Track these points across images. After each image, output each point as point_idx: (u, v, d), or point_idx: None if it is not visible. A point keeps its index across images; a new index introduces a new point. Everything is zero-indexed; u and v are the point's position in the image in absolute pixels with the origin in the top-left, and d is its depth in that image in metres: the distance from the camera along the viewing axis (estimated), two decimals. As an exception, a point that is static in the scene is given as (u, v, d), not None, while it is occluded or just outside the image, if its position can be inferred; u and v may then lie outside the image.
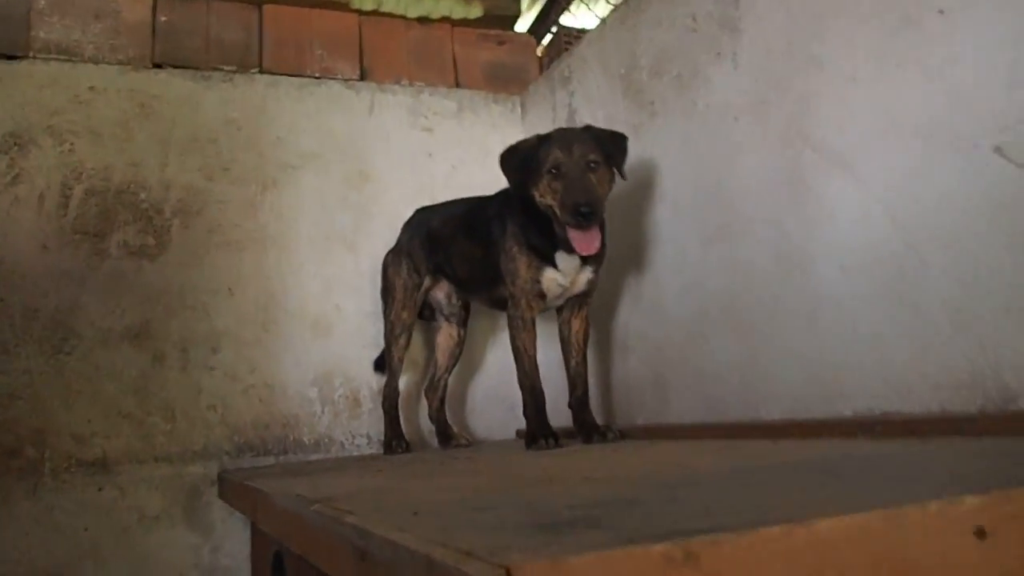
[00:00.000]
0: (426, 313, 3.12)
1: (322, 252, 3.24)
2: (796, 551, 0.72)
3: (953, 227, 1.71)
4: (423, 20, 3.61)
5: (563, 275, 2.48)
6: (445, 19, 3.64)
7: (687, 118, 2.56)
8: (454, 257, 2.89)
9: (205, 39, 3.20)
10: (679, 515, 0.88)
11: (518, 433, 3.18)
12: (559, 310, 2.65)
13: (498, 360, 3.36)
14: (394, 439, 2.94)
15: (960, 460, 1.25)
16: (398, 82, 3.51)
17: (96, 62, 3.03)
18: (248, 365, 3.04)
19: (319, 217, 3.26)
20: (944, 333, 1.72)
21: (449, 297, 3.08)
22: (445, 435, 3.08)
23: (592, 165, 2.32)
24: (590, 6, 3.79)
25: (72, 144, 2.92)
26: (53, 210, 2.86)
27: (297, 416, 3.08)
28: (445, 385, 3.15)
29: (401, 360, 3.01)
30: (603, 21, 3.07)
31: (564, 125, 2.97)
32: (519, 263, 2.49)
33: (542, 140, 2.39)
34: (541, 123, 3.39)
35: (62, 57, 2.99)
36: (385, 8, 3.52)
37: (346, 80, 3.42)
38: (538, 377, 2.52)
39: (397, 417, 3.00)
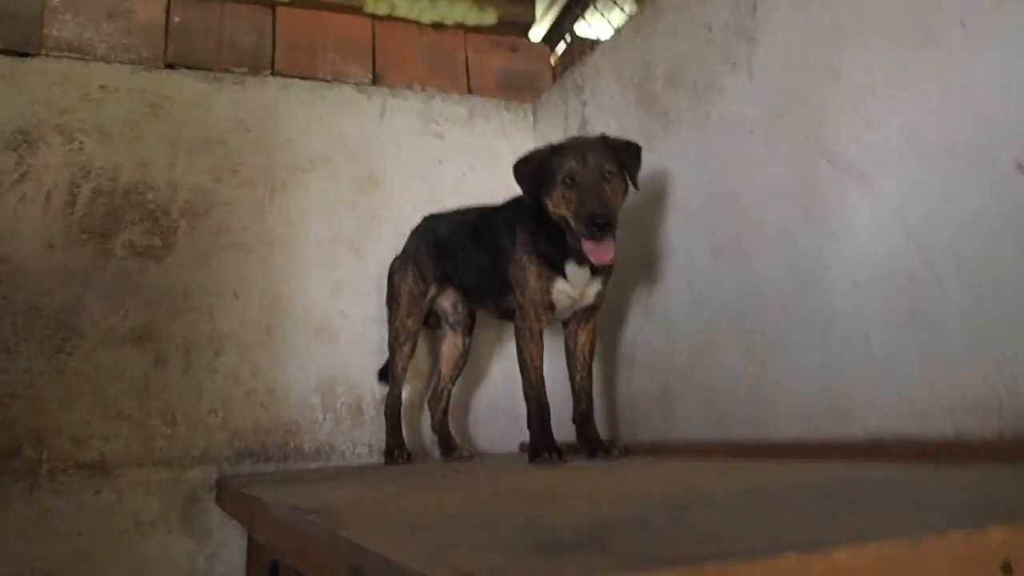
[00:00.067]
0: (431, 321, 3.09)
1: (329, 257, 3.21)
2: (812, 582, 0.68)
3: (971, 244, 1.67)
4: (437, 25, 3.58)
5: (573, 286, 2.45)
6: (459, 25, 3.62)
7: (701, 129, 2.53)
8: (461, 265, 2.85)
9: (218, 40, 3.19)
10: (688, 538, 0.85)
11: (521, 446, 3.13)
12: (566, 322, 2.61)
13: (503, 371, 3.32)
14: (395, 449, 2.90)
15: (980, 487, 1.20)
16: (410, 87, 3.49)
17: (108, 61, 3.01)
18: (251, 369, 3.01)
19: (327, 221, 3.23)
20: (960, 353, 1.68)
21: (455, 306, 3.04)
22: (447, 446, 3.03)
23: (607, 175, 2.29)
24: (605, 15, 3.76)
25: (81, 143, 2.90)
26: (60, 208, 2.84)
27: (298, 423, 3.04)
28: (449, 395, 3.10)
29: (405, 368, 2.97)
30: (617, 30, 3.04)
31: (576, 134, 2.93)
32: (528, 273, 2.46)
33: (556, 149, 2.36)
34: (553, 132, 3.36)
35: (74, 55, 2.97)
36: (399, 13, 3.50)
37: (358, 84, 3.40)
38: (544, 390, 2.48)
39: (399, 426, 2.96)
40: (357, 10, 3.44)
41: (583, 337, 2.58)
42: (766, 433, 2.19)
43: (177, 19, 3.14)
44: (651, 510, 1.09)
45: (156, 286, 2.92)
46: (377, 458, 3.09)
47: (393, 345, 2.97)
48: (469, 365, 3.18)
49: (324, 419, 3.08)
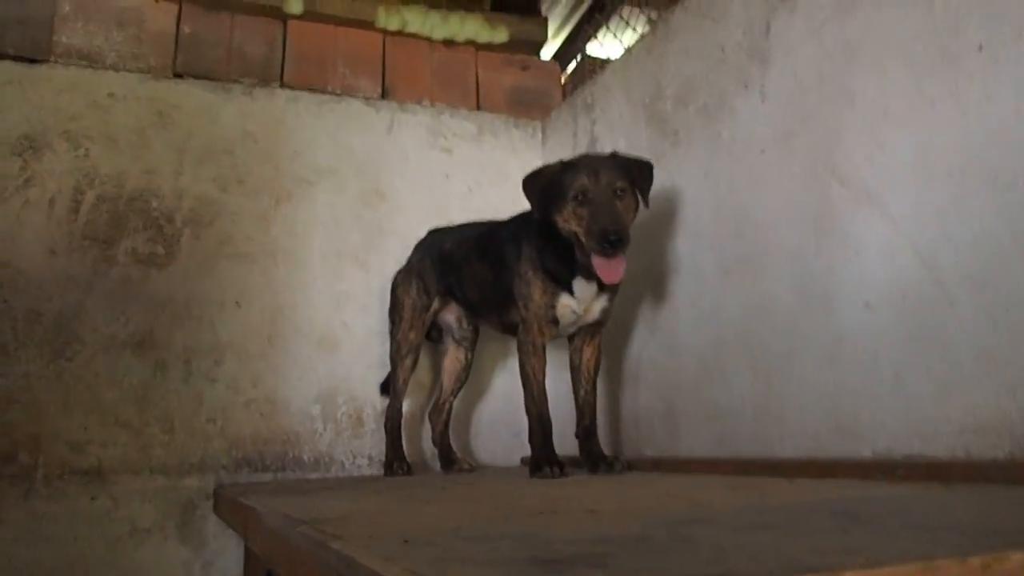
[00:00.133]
0: (434, 335, 3.07)
1: (333, 269, 3.20)
2: (822, 604, 0.65)
3: (985, 267, 1.65)
4: (448, 42, 3.58)
5: (578, 302, 2.43)
6: (470, 42, 3.61)
7: (711, 149, 2.51)
8: (465, 280, 2.84)
9: (227, 51, 3.18)
10: (692, 557, 0.82)
11: (523, 460, 3.10)
12: (571, 338, 2.59)
13: (505, 385, 3.29)
14: (395, 461, 2.88)
15: (993, 510, 1.17)
16: (419, 102, 3.48)
17: (117, 69, 3.01)
18: (251, 379, 2.98)
19: (332, 233, 3.22)
20: (971, 375, 1.65)
21: (460, 321, 3.02)
22: (448, 459, 3.01)
23: (619, 192, 2.27)
24: (617, 35, 3.76)
25: (87, 149, 2.89)
26: (63, 215, 2.83)
27: (298, 433, 3.02)
28: (450, 408, 3.08)
29: (406, 381, 2.95)
30: (628, 50, 3.03)
31: (585, 152, 2.91)
32: (533, 287, 2.44)
33: (567, 165, 2.34)
34: (562, 149, 3.34)
35: (83, 63, 2.97)
36: (410, 28, 3.49)
37: (367, 98, 3.39)
38: (546, 404, 2.46)
39: (399, 438, 2.93)
40: (368, 25, 3.43)
41: (588, 353, 2.56)
42: (771, 451, 2.16)
43: (187, 29, 3.14)
44: (653, 526, 1.06)
45: (158, 294, 2.90)
46: (377, 470, 3.06)
47: (395, 358, 2.95)
48: (472, 379, 3.16)
49: (324, 430, 3.06)
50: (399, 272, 3.05)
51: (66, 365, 2.75)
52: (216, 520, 2.74)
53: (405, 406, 3.00)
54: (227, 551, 2.82)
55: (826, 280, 2.05)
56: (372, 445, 3.10)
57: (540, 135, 3.65)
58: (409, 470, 2.87)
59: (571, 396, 2.59)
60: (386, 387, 3.06)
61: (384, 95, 3.42)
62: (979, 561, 0.71)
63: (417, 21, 3.48)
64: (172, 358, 2.89)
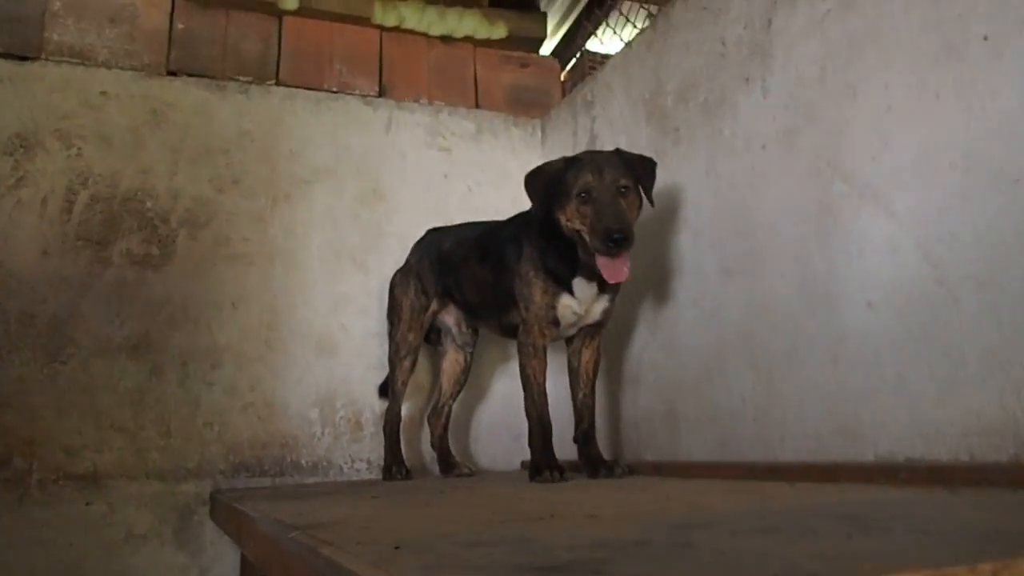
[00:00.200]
0: (433, 337, 3.04)
1: (331, 270, 3.16)
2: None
3: (990, 265, 1.61)
4: (446, 39, 3.54)
5: (579, 302, 2.40)
6: (468, 39, 3.57)
7: (712, 145, 2.48)
8: (464, 281, 2.80)
9: (222, 48, 3.15)
10: (694, 563, 0.78)
11: (523, 464, 3.07)
12: (569, 340, 2.56)
13: (505, 389, 3.26)
14: (394, 465, 2.84)
15: (999, 513, 1.14)
16: (417, 100, 3.45)
17: (109, 67, 2.98)
18: (248, 382, 2.95)
19: (329, 234, 3.18)
20: (976, 376, 1.62)
21: (459, 324, 2.99)
22: (447, 463, 2.98)
23: (623, 190, 2.24)
24: (617, 31, 3.72)
25: (80, 149, 2.86)
26: (56, 215, 2.80)
27: (296, 437, 2.99)
28: (449, 412, 3.05)
29: (405, 383, 2.92)
30: (628, 45, 3.00)
31: (585, 150, 2.89)
32: (534, 288, 2.40)
33: (570, 162, 2.30)
34: (561, 148, 3.31)
35: (75, 60, 2.94)
36: (408, 25, 3.46)
37: (364, 96, 3.36)
38: (546, 407, 2.42)
39: (398, 442, 2.90)
40: (365, 21, 3.40)
41: (587, 355, 2.52)
42: (773, 454, 2.13)
43: (181, 26, 3.11)
44: (654, 531, 1.02)
45: (153, 296, 2.87)
46: (375, 474, 3.03)
47: (393, 359, 2.92)
48: (471, 382, 3.13)
49: (322, 434, 3.02)
50: (397, 272, 3.02)
51: (60, 368, 2.72)
52: (213, 526, 2.70)
53: (404, 409, 2.97)
54: (224, 558, 2.78)
55: (828, 279, 2.01)
56: (371, 449, 3.07)
57: (540, 134, 3.62)
58: (408, 474, 2.84)
59: (570, 399, 2.56)
60: (385, 389, 3.03)
61: (382, 93, 3.39)
62: (989, 567, 0.68)
63: (414, 17, 3.45)
64: (168, 361, 2.86)
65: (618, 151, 2.35)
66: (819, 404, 2.00)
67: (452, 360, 3.03)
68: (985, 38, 1.66)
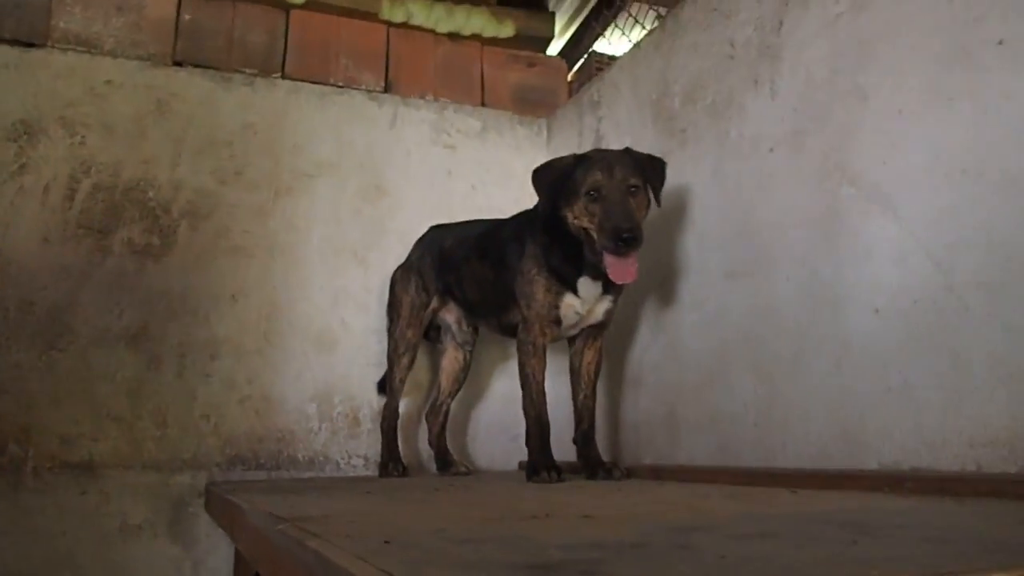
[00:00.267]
0: (432, 335, 3.02)
1: (332, 265, 3.14)
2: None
3: (1000, 272, 1.59)
4: (453, 36, 3.52)
5: (582, 302, 2.38)
6: (476, 36, 3.55)
7: (719, 147, 2.46)
8: (465, 279, 2.78)
9: (228, 40, 3.13)
10: (693, 565, 0.76)
11: (520, 465, 3.04)
12: (571, 340, 2.54)
13: (504, 388, 3.23)
14: (390, 462, 2.82)
15: (1007, 525, 1.11)
16: (423, 97, 3.42)
17: (115, 56, 2.96)
18: (246, 375, 2.93)
19: (331, 229, 3.16)
20: (984, 385, 1.60)
21: (459, 323, 2.96)
22: (444, 461, 2.95)
23: (632, 189, 2.21)
24: (626, 32, 3.70)
25: (83, 137, 2.85)
26: (58, 203, 2.78)
27: (293, 431, 2.96)
28: (447, 410, 3.02)
29: (403, 380, 2.90)
30: (636, 45, 2.98)
31: (590, 150, 2.87)
32: (536, 286, 2.38)
33: (580, 160, 2.28)
34: (567, 147, 3.28)
35: (80, 48, 2.92)
36: (415, 21, 3.44)
37: (369, 91, 3.34)
38: (545, 406, 2.40)
39: (395, 439, 2.88)
40: (372, 16, 3.38)
41: (589, 356, 2.50)
42: (774, 460, 2.11)
43: (188, 17, 3.09)
44: (651, 533, 1.00)
45: (153, 286, 2.85)
46: (372, 470, 3.00)
47: (392, 356, 2.89)
48: (470, 381, 3.11)
49: (319, 429, 3.00)
50: (398, 269, 3.00)
51: (58, 357, 2.70)
52: (207, 518, 2.68)
53: (402, 406, 2.95)
54: (218, 550, 2.76)
55: (834, 284, 1.99)
56: (368, 445, 3.04)
57: (545, 133, 3.59)
58: (404, 472, 2.82)
59: (570, 400, 2.53)
60: (383, 386, 3.01)
61: (387, 89, 3.37)
62: (1002, 577, 0.66)
63: (422, 13, 3.43)
64: (166, 352, 2.84)
65: (628, 150, 2.33)
66: (822, 410, 1.98)
67: (451, 358, 3.01)
68: (1000, 42, 1.64)
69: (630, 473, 2.38)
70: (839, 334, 1.95)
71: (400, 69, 3.41)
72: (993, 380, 1.58)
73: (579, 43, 3.92)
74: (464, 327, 2.97)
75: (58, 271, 2.74)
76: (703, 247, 2.50)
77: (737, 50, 2.42)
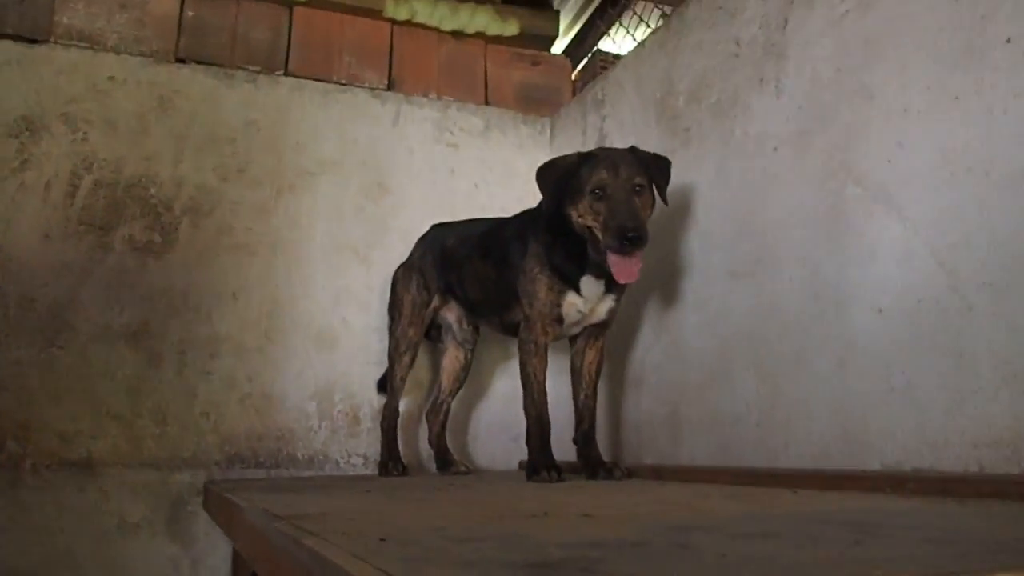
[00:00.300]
0: (433, 333, 3.01)
1: (334, 263, 3.13)
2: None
3: (1006, 272, 1.58)
4: (457, 34, 3.51)
5: (585, 301, 2.36)
6: (480, 35, 3.54)
7: (723, 146, 2.44)
8: (467, 277, 2.77)
9: (231, 37, 3.12)
10: (693, 564, 0.74)
11: (520, 464, 3.03)
12: (572, 339, 2.52)
13: (505, 388, 3.22)
14: (390, 461, 2.81)
15: (1011, 526, 1.10)
16: (426, 95, 3.41)
17: (118, 52, 2.95)
18: (247, 373, 2.92)
19: (334, 226, 3.15)
20: (988, 386, 1.59)
21: (460, 321, 2.95)
22: (444, 461, 2.94)
23: (637, 188, 2.20)
24: (630, 31, 3.68)
25: (86, 133, 2.84)
26: (59, 199, 2.77)
27: (293, 430, 2.95)
28: (448, 409, 3.01)
29: (404, 379, 2.88)
30: (641, 44, 2.96)
31: (595, 148, 2.85)
32: (539, 285, 2.37)
33: (585, 158, 2.27)
34: (570, 147, 3.26)
35: (83, 44, 2.91)
36: (419, 19, 3.42)
37: (373, 89, 3.32)
38: (545, 406, 2.38)
39: (395, 438, 2.87)
40: (376, 14, 3.37)
41: (591, 355, 2.49)
42: (776, 461, 2.09)
43: (191, 13, 3.08)
44: (651, 532, 0.98)
45: (154, 283, 2.84)
46: (372, 469, 2.99)
47: (393, 355, 2.88)
48: (471, 381, 3.09)
49: (319, 427, 2.99)
50: (400, 267, 2.98)
51: (58, 354, 2.69)
52: (206, 517, 2.66)
53: (402, 405, 2.94)
54: (216, 549, 2.75)
55: (838, 284, 1.98)
56: (368, 444, 3.03)
57: (548, 132, 3.58)
58: (404, 471, 2.81)
59: (571, 400, 2.52)
60: (383, 385, 3.00)
61: (390, 86, 3.36)
62: (1009, 578, 0.64)
63: (426, 11, 3.41)
64: (166, 350, 2.83)
65: (633, 149, 2.32)
66: (825, 411, 1.96)
67: (452, 357, 3.00)
68: (1008, 40, 1.62)
69: (631, 473, 2.37)
70: (842, 334, 1.94)
71: (403, 67, 3.40)
72: (997, 380, 1.56)
73: (583, 42, 3.90)
74: (465, 326, 2.96)
75: (59, 268, 2.73)
76: (706, 246, 2.48)
77: (742, 49, 2.40)
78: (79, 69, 2.88)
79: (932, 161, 1.76)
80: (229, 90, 3.08)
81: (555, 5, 3.81)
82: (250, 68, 3.13)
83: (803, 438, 2.02)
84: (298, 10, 3.25)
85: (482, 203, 3.31)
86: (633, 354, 2.78)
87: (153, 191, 2.89)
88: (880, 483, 1.67)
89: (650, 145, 2.67)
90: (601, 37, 3.82)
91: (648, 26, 3.44)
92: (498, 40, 3.58)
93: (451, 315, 2.95)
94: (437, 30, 3.48)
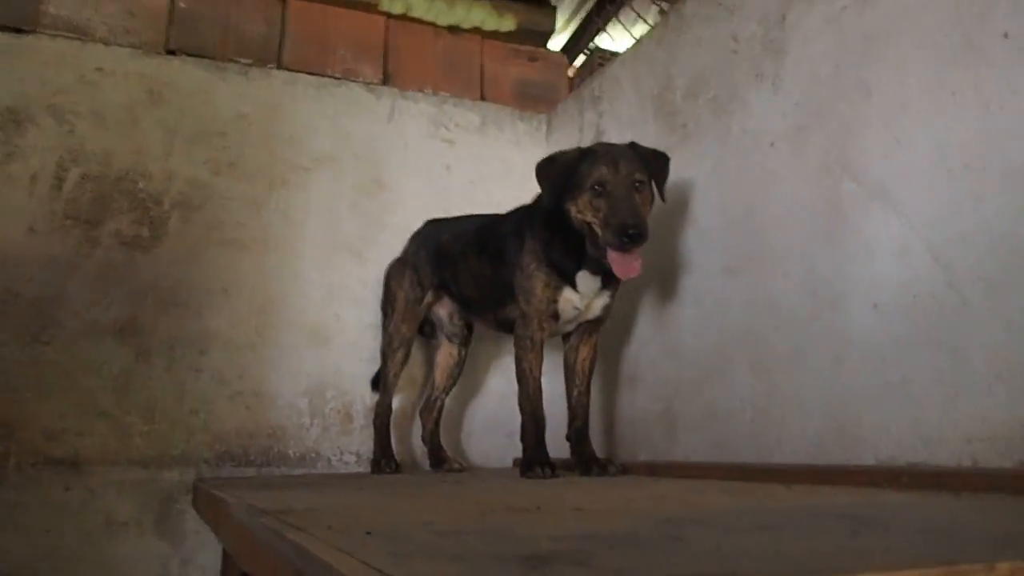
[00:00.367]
0: (426, 330, 2.98)
1: (327, 259, 3.09)
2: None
3: (1002, 268, 1.57)
4: (453, 29, 3.48)
5: (581, 297, 2.35)
6: (476, 30, 3.51)
7: (721, 142, 2.43)
8: (461, 274, 2.74)
9: (224, 29, 3.08)
10: (684, 556, 0.72)
11: (515, 462, 3.00)
12: (566, 336, 2.51)
13: (500, 385, 3.19)
14: (383, 458, 2.78)
15: (1008, 518, 1.08)
16: (421, 90, 3.38)
17: (107, 43, 2.91)
18: (237, 370, 2.88)
19: (327, 222, 3.11)
20: (982, 380, 1.58)
21: (451, 316, 2.93)
22: (438, 458, 2.92)
23: (637, 184, 2.19)
24: (628, 28, 3.66)
25: (73, 125, 2.79)
26: (45, 192, 2.73)
27: (284, 427, 2.91)
28: (442, 406, 2.99)
29: (397, 375, 2.86)
30: (639, 40, 2.95)
31: (598, 142, 2.83)
32: (535, 281, 2.35)
33: (585, 154, 2.25)
34: (567, 143, 3.24)
35: (71, 35, 2.87)
36: (415, 13, 3.39)
37: (367, 83, 3.29)
38: (541, 403, 2.37)
39: (388, 435, 2.84)
40: (371, 8, 3.34)
41: (584, 352, 2.47)
42: (770, 457, 2.08)
43: (182, 4, 3.03)
44: (644, 525, 0.96)
45: (142, 278, 2.80)
46: (365, 467, 2.95)
47: (386, 351, 2.86)
48: (466, 378, 3.07)
49: (311, 425, 2.95)
50: (393, 263, 2.96)
51: (43, 350, 2.65)
52: (196, 515, 2.63)
53: (396, 402, 2.91)
54: (206, 548, 2.71)
55: (834, 280, 1.97)
56: (361, 442, 3.00)
57: (545, 128, 3.55)
58: (397, 468, 2.78)
59: (565, 397, 2.50)
60: (377, 382, 2.96)
61: (385, 81, 3.33)
62: (1008, 567, 0.62)
63: (422, 6, 3.39)
64: (155, 346, 2.79)
65: (632, 144, 2.31)
66: (820, 406, 1.95)
67: (446, 354, 2.97)
68: (1006, 35, 1.61)
69: (625, 469, 2.35)
70: (838, 330, 1.93)
71: (399, 61, 3.37)
72: (992, 375, 1.55)
73: (581, 38, 3.88)
74: (455, 321, 2.94)
75: (45, 262, 2.69)
76: (703, 242, 2.47)
77: (740, 45, 2.39)
78: (66, 60, 2.84)
79: (929, 157, 1.75)
80: (221, 83, 3.04)
81: (552, 1, 3.79)
82: (242, 61, 3.09)
83: (798, 434, 2.01)
84: (292, 3, 3.22)
85: (479, 199, 3.27)
86: (628, 350, 2.76)
87: (142, 185, 2.85)
88: (875, 477, 1.66)
89: (647, 141, 2.64)
90: (598, 33, 3.79)
91: (646, 23, 3.41)
92: (495, 36, 3.56)
93: (443, 312, 2.93)
94: (433, 25, 3.46)
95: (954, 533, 0.91)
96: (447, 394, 3.00)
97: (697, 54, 2.58)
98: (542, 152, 3.29)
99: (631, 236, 2.06)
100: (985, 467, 1.52)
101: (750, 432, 2.16)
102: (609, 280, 2.32)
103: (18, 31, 2.80)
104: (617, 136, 2.90)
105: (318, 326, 3.04)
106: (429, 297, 2.86)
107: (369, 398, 3.01)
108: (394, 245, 3.05)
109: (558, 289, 2.34)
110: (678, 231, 2.56)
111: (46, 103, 2.77)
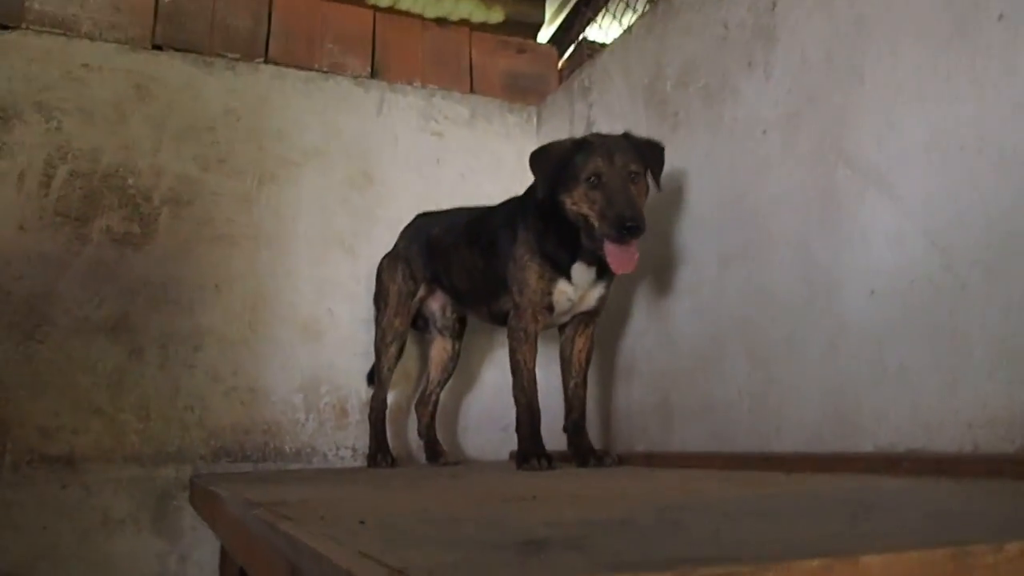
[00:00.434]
0: (420, 323, 2.97)
1: (318, 254, 3.08)
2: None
3: (999, 251, 1.55)
4: (441, 21, 3.47)
5: (575, 288, 2.34)
6: (464, 22, 3.50)
7: (712, 131, 2.41)
8: (453, 267, 2.73)
9: (210, 23, 3.06)
10: (683, 541, 0.71)
11: (511, 455, 2.99)
12: (562, 328, 2.49)
13: (495, 379, 3.18)
14: (379, 452, 2.78)
15: (1010, 502, 1.07)
16: (410, 83, 3.36)
17: (92, 38, 2.88)
18: (231, 366, 2.87)
19: (318, 217, 3.10)
20: (982, 365, 1.56)
21: (443, 309, 2.92)
22: (433, 452, 2.91)
23: (633, 176, 2.17)
24: (618, 18, 3.64)
25: (60, 122, 2.77)
26: (34, 189, 2.71)
27: (279, 423, 2.90)
28: (437, 400, 2.98)
29: (391, 370, 2.85)
30: (628, 29, 2.93)
31: (593, 132, 2.82)
32: (529, 272, 2.34)
33: (579, 144, 2.23)
34: (557, 134, 3.22)
35: (56, 31, 2.84)
36: (402, 6, 3.38)
37: (356, 77, 3.28)
38: (535, 394, 2.36)
39: (383, 430, 2.83)
40: (359, 1, 3.32)
41: (580, 343, 2.46)
42: (768, 446, 2.07)
43: (168, -1, 3.01)
44: (640, 511, 0.95)
45: (134, 275, 2.78)
46: (361, 462, 2.95)
47: (379, 345, 2.84)
48: (460, 371, 3.06)
49: (306, 420, 2.94)
50: (385, 257, 2.94)
51: (36, 348, 2.64)
52: (192, 512, 2.62)
53: (391, 397, 2.90)
54: (204, 544, 2.70)
55: (830, 267, 1.95)
56: (356, 436, 2.99)
57: (535, 120, 3.54)
58: (393, 462, 2.77)
59: (562, 388, 2.49)
60: (373, 377, 2.95)
61: (374, 74, 3.31)
62: (1017, 548, 0.61)
63: (409, -2, 3.38)
64: (148, 343, 2.78)
65: (627, 135, 2.29)
66: (817, 395, 1.94)
67: (440, 347, 2.97)
68: (1000, 17, 1.60)
69: (622, 460, 2.35)
70: (835, 317, 1.91)
71: (387, 54, 3.35)
72: (991, 360, 1.54)
73: (570, 29, 3.85)
74: (448, 314, 2.93)
75: (35, 260, 2.67)
76: (697, 232, 2.46)
77: (731, 31, 2.37)
78: (52, 56, 2.81)
79: (924, 141, 1.73)
80: (208, 77, 3.02)
81: (541, -8, 3.78)
82: (229, 55, 3.07)
83: (795, 422, 1.99)
84: (279, -4, 3.20)
85: (469, 192, 3.25)
86: (624, 341, 2.75)
87: (131, 181, 2.83)
88: (875, 464, 1.65)
89: (639, 131, 2.63)
90: (588, 24, 3.77)
91: (635, 12, 3.40)
92: (483, 28, 3.54)
93: (436, 305, 2.92)
94: (421, 17, 3.44)
95: (958, 516, 0.90)
96: (442, 388, 2.99)
97: (687, 42, 2.56)
98: (532, 144, 3.27)
99: (629, 228, 2.04)
100: (986, 452, 1.51)
101: (748, 422, 2.15)
102: (604, 272, 2.31)
103: (3, 27, 2.77)
104: (607, 127, 2.89)
105: (311, 321, 3.02)
106: (422, 291, 2.85)
107: (364, 393, 3.00)
108: (386, 239, 3.03)
109: (552, 281, 2.32)
110: (672, 221, 2.54)
111: (32, 100, 2.75)
